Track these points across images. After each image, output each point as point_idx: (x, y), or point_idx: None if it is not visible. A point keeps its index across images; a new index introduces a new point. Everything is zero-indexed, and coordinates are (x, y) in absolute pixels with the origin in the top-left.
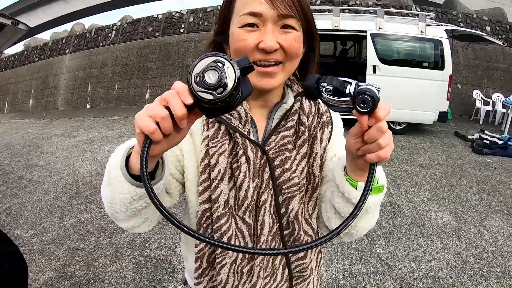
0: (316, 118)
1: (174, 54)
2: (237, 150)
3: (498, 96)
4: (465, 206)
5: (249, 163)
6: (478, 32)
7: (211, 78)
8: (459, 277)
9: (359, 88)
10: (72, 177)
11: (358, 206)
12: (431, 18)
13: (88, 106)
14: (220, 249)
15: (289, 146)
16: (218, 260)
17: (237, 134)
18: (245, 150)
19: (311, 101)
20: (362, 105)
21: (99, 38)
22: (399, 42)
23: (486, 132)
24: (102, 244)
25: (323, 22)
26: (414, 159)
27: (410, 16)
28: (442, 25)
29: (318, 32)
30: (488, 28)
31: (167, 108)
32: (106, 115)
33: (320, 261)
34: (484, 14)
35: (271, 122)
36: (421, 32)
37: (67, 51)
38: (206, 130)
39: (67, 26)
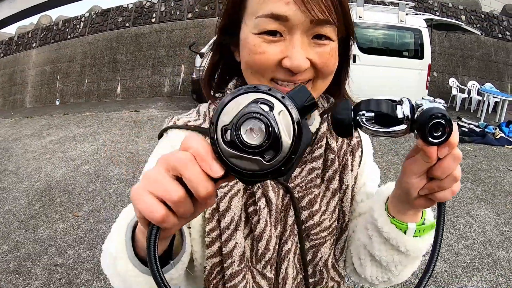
0: (345, 140)
1: (146, 45)
2: (255, 190)
3: (473, 84)
4: None
5: (270, 206)
6: (457, 21)
7: (253, 135)
8: (453, 270)
9: (426, 109)
10: (44, 182)
11: (432, 263)
12: (410, 8)
13: (57, 103)
14: None
15: (318, 181)
16: None
17: None
18: (265, 190)
19: None
20: (436, 134)
21: (67, 30)
22: (379, 31)
23: (463, 119)
24: (82, 258)
25: None
26: (396, 149)
27: (389, 5)
28: (421, 14)
29: None
30: (463, 17)
31: (180, 179)
32: (77, 111)
33: None
34: (459, 3)
35: None
36: (401, 21)
37: (34, 45)
38: None
39: (34, 19)
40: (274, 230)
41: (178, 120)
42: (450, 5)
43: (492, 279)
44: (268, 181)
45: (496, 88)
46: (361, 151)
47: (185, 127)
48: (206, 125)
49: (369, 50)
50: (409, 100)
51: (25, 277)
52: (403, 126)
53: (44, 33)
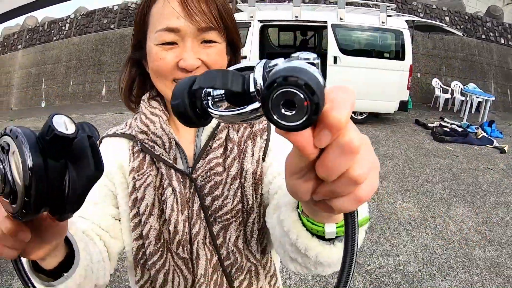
0: (247, 129)
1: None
2: (163, 181)
3: (456, 84)
4: (429, 196)
5: (175, 194)
6: (438, 23)
7: None
8: (427, 269)
9: (274, 72)
10: None
11: (342, 283)
12: (392, 9)
13: (42, 105)
14: (158, 285)
15: (219, 169)
16: None
17: (161, 164)
18: (170, 181)
19: None
20: (285, 112)
21: (53, 31)
22: (360, 33)
23: (445, 119)
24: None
25: (284, 12)
26: (376, 150)
27: (371, 7)
28: (402, 15)
29: (279, 23)
30: (447, 18)
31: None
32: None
33: (275, 284)
34: (443, 5)
35: (199, 145)
36: (382, 22)
37: (19, 46)
38: (132, 161)
39: (19, 20)
40: (181, 214)
41: (110, 130)
42: (434, 6)
43: (467, 278)
44: (172, 174)
45: (480, 88)
46: (267, 136)
47: (114, 135)
48: (129, 131)
49: (350, 51)
50: (266, 63)
51: (7, 278)
52: (256, 104)
53: (29, 34)
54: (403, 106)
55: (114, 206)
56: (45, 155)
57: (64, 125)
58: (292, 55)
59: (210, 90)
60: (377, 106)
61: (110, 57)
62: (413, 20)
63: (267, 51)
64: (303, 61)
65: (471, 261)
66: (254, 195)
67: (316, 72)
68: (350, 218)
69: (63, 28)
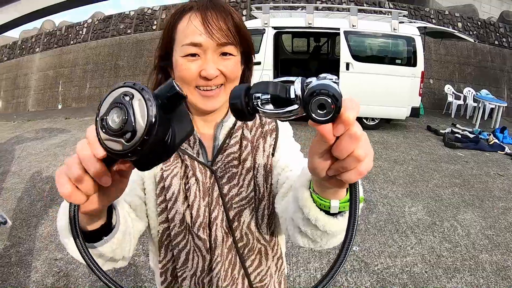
0: (259, 129)
1: (147, 52)
2: (188, 172)
3: (469, 91)
4: (438, 201)
5: (198, 183)
6: (450, 29)
7: (115, 120)
8: (433, 271)
9: (310, 87)
10: (46, 184)
11: (346, 247)
12: (404, 16)
13: (59, 107)
14: (180, 263)
15: (235, 162)
16: (179, 274)
17: (186, 157)
18: (194, 172)
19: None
20: (320, 111)
21: (70, 36)
22: (372, 39)
23: (457, 126)
24: None
25: (297, 19)
26: (387, 155)
27: (383, 14)
28: (414, 22)
29: (292, 30)
30: (460, 24)
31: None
32: (78, 115)
33: (281, 266)
34: (456, 10)
35: (217, 141)
36: (394, 29)
37: (37, 49)
38: None
39: (37, 24)
40: (202, 201)
41: None
42: (447, 12)
43: (472, 281)
44: (196, 165)
45: (493, 94)
46: (276, 134)
47: None
48: None
49: (362, 58)
50: (302, 79)
51: (26, 270)
52: (295, 106)
53: (47, 38)
54: (414, 112)
55: (141, 190)
56: (161, 108)
57: (179, 87)
58: (320, 75)
59: (259, 94)
60: (389, 112)
61: (126, 61)
62: (425, 27)
63: (281, 57)
64: (329, 80)
65: (478, 264)
66: (265, 185)
67: (337, 87)
68: (353, 187)
69: (80, 32)
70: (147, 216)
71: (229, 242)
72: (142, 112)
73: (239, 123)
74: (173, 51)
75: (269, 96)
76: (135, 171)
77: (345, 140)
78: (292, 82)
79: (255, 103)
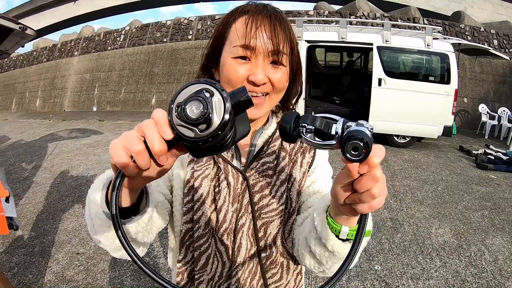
0: (298, 143)
1: (182, 61)
2: (220, 174)
3: (504, 111)
4: (466, 224)
5: (229, 188)
6: (485, 46)
7: (193, 110)
8: None
9: (349, 130)
10: (75, 181)
11: (345, 265)
12: (438, 32)
13: (94, 109)
14: (198, 266)
15: (270, 172)
16: (196, 276)
17: (220, 159)
18: (227, 176)
19: None
20: (353, 152)
21: (108, 41)
22: (405, 55)
23: (491, 147)
24: (101, 250)
25: (330, 33)
26: (417, 174)
27: (417, 29)
28: (449, 38)
29: (325, 44)
30: (495, 41)
31: (145, 140)
32: (112, 118)
33: (300, 282)
34: (491, 27)
35: (254, 148)
36: (428, 45)
37: (76, 53)
38: None
39: (77, 29)
40: (231, 206)
41: None
42: (482, 29)
43: None
44: (229, 169)
45: None
46: (314, 153)
47: None
48: None
49: (395, 74)
50: (344, 121)
51: (47, 261)
52: (333, 142)
53: (86, 42)
54: (447, 131)
55: (167, 188)
56: (237, 109)
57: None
58: (359, 121)
59: (306, 124)
60: (420, 130)
61: (161, 69)
62: (460, 43)
63: (314, 71)
64: (365, 128)
65: None
66: (297, 200)
67: (370, 135)
68: (363, 217)
69: (118, 38)
70: (168, 215)
71: (252, 252)
72: (219, 110)
73: (277, 133)
74: (222, 51)
75: (313, 128)
76: None
77: (366, 179)
78: (335, 120)
79: (301, 130)
